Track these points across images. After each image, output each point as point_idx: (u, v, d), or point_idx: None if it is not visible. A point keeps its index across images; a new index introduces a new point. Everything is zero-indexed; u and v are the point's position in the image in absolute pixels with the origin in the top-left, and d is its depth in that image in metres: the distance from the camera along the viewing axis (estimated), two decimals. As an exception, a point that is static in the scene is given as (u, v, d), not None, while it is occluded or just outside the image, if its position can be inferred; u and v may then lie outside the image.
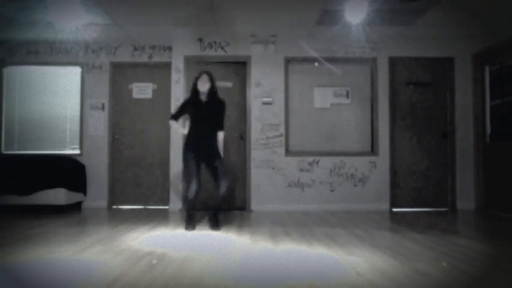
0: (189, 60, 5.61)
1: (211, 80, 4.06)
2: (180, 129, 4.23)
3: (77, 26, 5.06)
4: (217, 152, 4.03)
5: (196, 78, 4.08)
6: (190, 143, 3.99)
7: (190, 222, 3.96)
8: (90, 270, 2.41)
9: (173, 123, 4.17)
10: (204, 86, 4.01)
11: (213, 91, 4.06)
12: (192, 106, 4.06)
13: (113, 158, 5.77)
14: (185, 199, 4.13)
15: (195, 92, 4.07)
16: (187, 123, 4.12)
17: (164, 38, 5.66)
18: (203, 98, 4.04)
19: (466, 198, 5.56)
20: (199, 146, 3.96)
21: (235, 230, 3.87)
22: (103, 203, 5.68)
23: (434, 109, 5.71)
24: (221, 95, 4.23)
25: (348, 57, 5.67)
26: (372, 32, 5.30)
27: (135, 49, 5.81)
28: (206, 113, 4.01)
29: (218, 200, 4.03)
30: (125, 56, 5.81)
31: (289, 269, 2.46)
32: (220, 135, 4.09)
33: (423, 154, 5.67)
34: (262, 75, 5.59)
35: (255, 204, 5.49)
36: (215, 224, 3.97)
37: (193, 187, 3.90)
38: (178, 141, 5.52)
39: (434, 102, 5.71)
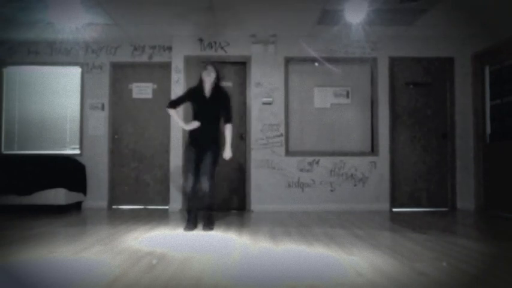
0: (189, 60, 5.61)
1: (217, 71, 3.98)
2: (180, 123, 4.06)
3: (77, 26, 5.06)
4: (214, 150, 3.90)
5: (203, 70, 4.00)
6: (193, 138, 3.95)
7: (188, 223, 3.87)
8: (90, 270, 2.41)
9: (172, 113, 4.02)
10: (208, 77, 3.91)
11: (217, 83, 3.97)
12: (194, 100, 3.99)
13: (113, 158, 5.76)
14: (186, 197, 4.09)
15: (200, 83, 3.99)
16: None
17: (164, 38, 5.66)
18: (207, 91, 3.95)
19: (466, 198, 5.56)
20: (199, 141, 3.90)
21: (235, 230, 3.86)
22: (103, 203, 5.68)
23: (434, 109, 5.71)
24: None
25: (348, 57, 5.67)
26: (371, 32, 5.30)
27: (135, 49, 5.81)
28: (208, 107, 3.93)
29: (204, 198, 3.87)
30: (124, 56, 5.81)
31: (289, 269, 2.46)
32: (228, 128, 3.97)
33: (423, 154, 5.67)
34: (262, 75, 5.58)
35: (255, 204, 5.49)
36: (205, 224, 3.86)
37: (189, 182, 3.85)
38: (178, 141, 5.53)
39: (434, 102, 5.71)
